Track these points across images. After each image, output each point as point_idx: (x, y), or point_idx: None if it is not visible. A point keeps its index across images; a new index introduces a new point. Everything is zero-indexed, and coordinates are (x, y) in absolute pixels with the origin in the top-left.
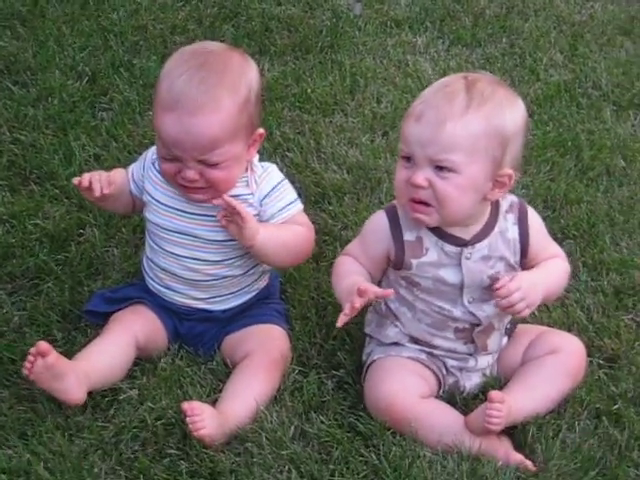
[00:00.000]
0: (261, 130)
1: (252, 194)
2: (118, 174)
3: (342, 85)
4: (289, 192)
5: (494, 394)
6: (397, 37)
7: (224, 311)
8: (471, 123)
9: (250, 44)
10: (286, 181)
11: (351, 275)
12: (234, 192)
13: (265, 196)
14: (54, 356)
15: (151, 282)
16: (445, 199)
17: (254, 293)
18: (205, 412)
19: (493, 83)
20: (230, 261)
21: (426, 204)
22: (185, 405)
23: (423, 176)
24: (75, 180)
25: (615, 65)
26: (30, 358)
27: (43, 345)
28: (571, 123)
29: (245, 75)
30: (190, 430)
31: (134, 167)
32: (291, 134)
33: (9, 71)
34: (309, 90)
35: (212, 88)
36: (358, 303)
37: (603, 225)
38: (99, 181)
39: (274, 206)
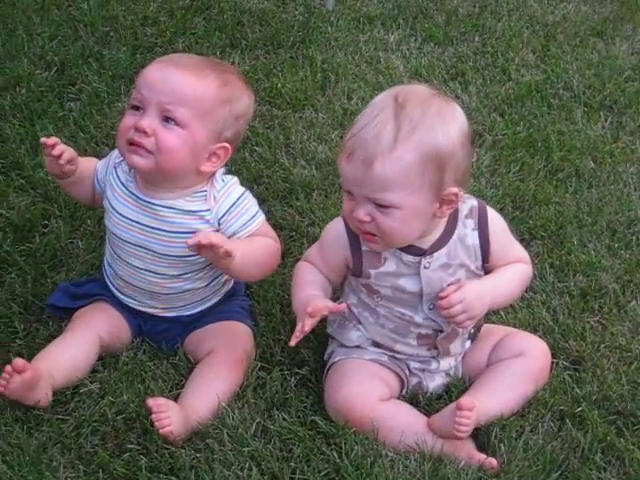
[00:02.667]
0: (227, 145)
1: (209, 210)
2: (86, 161)
3: (313, 80)
4: (250, 205)
5: (464, 401)
6: (369, 33)
7: (189, 316)
8: (400, 158)
9: (221, 37)
10: (247, 193)
11: (309, 286)
12: (190, 207)
13: (225, 213)
14: (30, 371)
15: (112, 287)
16: (389, 233)
17: (218, 298)
18: (171, 409)
19: (424, 100)
20: (189, 274)
21: (373, 234)
22: (150, 401)
23: (364, 212)
24: (43, 138)
25: (587, 66)
26: (5, 375)
27: (20, 362)
28: (542, 124)
29: (239, 90)
30: (156, 427)
31: (100, 164)
32: (260, 128)
33: None
34: (279, 85)
35: (205, 66)
36: (308, 326)
37: (571, 227)
38: (65, 150)
39: (236, 222)
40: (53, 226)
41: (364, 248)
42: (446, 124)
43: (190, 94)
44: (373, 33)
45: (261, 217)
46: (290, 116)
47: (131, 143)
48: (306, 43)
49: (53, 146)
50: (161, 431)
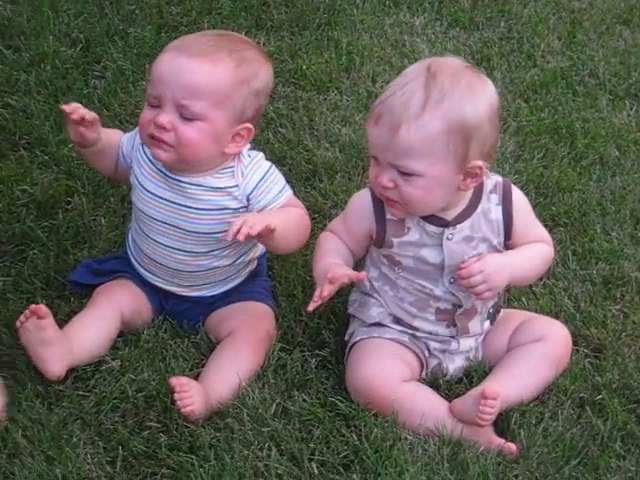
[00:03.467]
0: (249, 125)
1: (237, 186)
2: (111, 132)
3: (338, 63)
4: (278, 180)
5: (489, 390)
6: (395, 17)
7: (211, 296)
8: (426, 125)
9: (247, 18)
10: (274, 168)
11: (330, 255)
12: (217, 184)
13: (254, 188)
14: (48, 321)
15: (134, 263)
16: (411, 200)
17: (241, 279)
18: (193, 388)
19: (456, 73)
20: (216, 252)
21: (395, 200)
22: (173, 380)
23: (387, 177)
24: (63, 105)
25: (613, 54)
26: (27, 313)
27: (43, 309)
28: (566, 110)
29: (256, 65)
30: (177, 406)
31: (126, 137)
32: (285, 110)
33: (2, 35)
34: (304, 66)
35: (218, 48)
36: (326, 291)
37: (594, 214)
38: (86, 114)
39: (266, 197)
40: (76, 203)
41: (388, 217)
42: (475, 97)
43: (205, 84)
44: (399, 16)
45: (289, 190)
46: (314, 98)
47: (152, 137)
48: (331, 25)
49: (73, 112)
50: (183, 410)
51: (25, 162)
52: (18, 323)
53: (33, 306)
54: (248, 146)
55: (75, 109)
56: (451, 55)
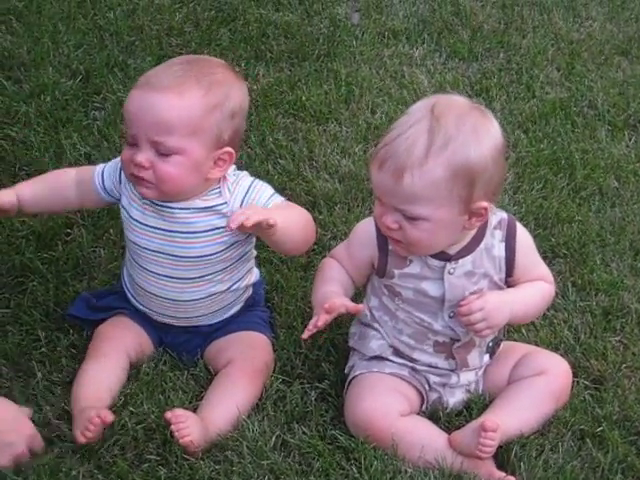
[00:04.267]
0: (230, 149)
1: (226, 203)
2: (47, 182)
3: (337, 94)
4: (266, 188)
5: (489, 422)
6: (394, 48)
7: (209, 326)
8: (430, 172)
9: (246, 49)
10: (258, 180)
11: (330, 282)
12: (206, 204)
13: (242, 200)
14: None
15: (132, 299)
16: (415, 243)
17: (238, 307)
18: (189, 419)
19: (461, 115)
20: (210, 276)
21: (399, 240)
22: (168, 414)
23: (392, 219)
24: None
25: (611, 85)
26: (91, 427)
27: (109, 416)
28: (565, 141)
29: (227, 86)
30: (175, 437)
31: (106, 172)
32: (284, 141)
33: (2, 66)
34: (304, 98)
35: (187, 79)
36: (322, 321)
37: (594, 245)
38: None
39: (258, 202)
40: (76, 234)
41: (391, 248)
42: (480, 140)
43: (175, 118)
44: (398, 48)
45: (279, 196)
46: (314, 129)
47: (134, 175)
48: (331, 56)
49: None
50: (181, 441)
51: None
52: (82, 438)
53: (97, 418)
54: (233, 167)
55: None
56: (455, 93)
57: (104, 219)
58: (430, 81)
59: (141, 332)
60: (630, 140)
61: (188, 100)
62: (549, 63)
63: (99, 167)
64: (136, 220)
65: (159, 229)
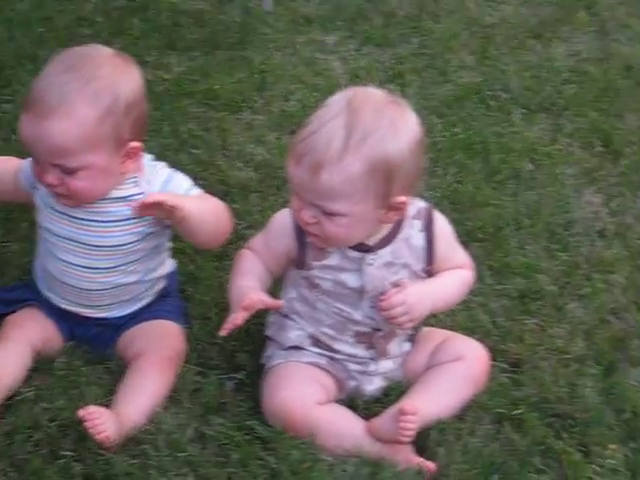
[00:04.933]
0: (135, 144)
1: (143, 193)
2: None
3: (250, 82)
4: (184, 179)
5: (407, 406)
6: (307, 35)
7: (119, 317)
8: (348, 167)
9: (158, 38)
10: (176, 171)
11: (247, 275)
12: (122, 194)
13: (160, 191)
14: None
15: (42, 287)
16: (333, 237)
17: (150, 298)
18: (103, 415)
19: (379, 108)
20: (122, 267)
21: (316, 234)
22: (81, 412)
23: (309, 214)
24: None
25: (525, 68)
26: None
27: None
28: (480, 126)
29: (115, 85)
30: (91, 434)
31: (28, 163)
32: (197, 131)
33: None
34: (217, 86)
35: (69, 94)
36: (240, 319)
37: (509, 229)
38: None
39: (176, 193)
40: None
41: (309, 240)
42: (398, 134)
43: (68, 142)
44: (311, 35)
45: (197, 189)
46: (227, 118)
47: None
48: (244, 44)
49: None
50: (97, 437)
51: None
52: None
53: None
54: (150, 156)
55: None
56: (370, 82)
57: (15, 212)
58: (344, 67)
59: (50, 324)
60: (544, 123)
61: (77, 119)
62: (463, 47)
63: (24, 162)
64: (50, 207)
65: (74, 217)
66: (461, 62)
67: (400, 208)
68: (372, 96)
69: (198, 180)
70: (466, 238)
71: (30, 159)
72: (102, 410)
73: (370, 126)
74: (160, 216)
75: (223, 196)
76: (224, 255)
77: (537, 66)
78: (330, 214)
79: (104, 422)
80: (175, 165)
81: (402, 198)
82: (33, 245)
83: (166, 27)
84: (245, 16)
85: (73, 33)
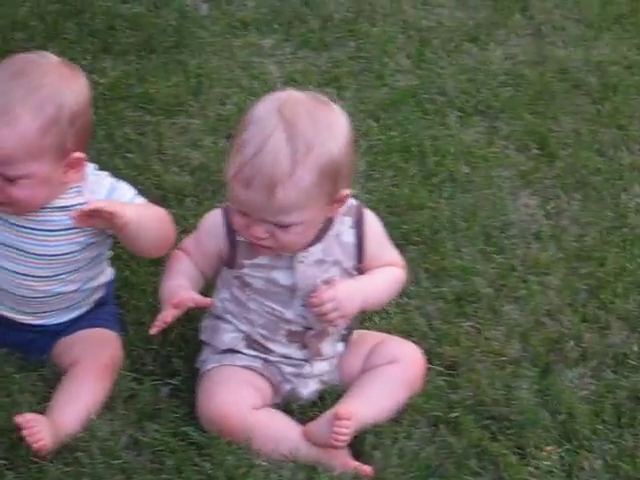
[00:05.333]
0: (78, 154)
1: (87, 203)
2: None
3: (186, 86)
4: (128, 188)
5: (342, 410)
6: (244, 38)
7: (57, 325)
8: (301, 180)
9: (93, 42)
10: (119, 180)
11: (178, 276)
12: (65, 203)
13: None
14: None
15: None
16: (289, 246)
17: (88, 307)
18: (40, 423)
19: (311, 112)
20: (62, 276)
21: (269, 247)
22: (19, 418)
23: (263, 230)
24: None
25: (461, 71)
26: None
27: None
28: (416, 129)
29: (60, 94)
30: (28, 442)
31: None
32: (132, 135)
33: None
34: (152, 90)
35: (13, 102)
36: (170, 317)
37: (445, 231)
38: None
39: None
40: None
41: (239, 238)
42: (336, 135)
43: (9, 150)
44: (247, 38)
45: (141, 198)
46: (163, 122)
47: None
48: (179, 48)
49: None
50: (35, 446)
51: None
52: None
53: None
54: (93, 166)
55: None
56: (291, 87)
57: None
58: (280, 71)
59: None
60: (480, 126)
61: (19, 128)
62: (399, 51)
63: None
64: None
65: (14, 224)
66: (397, 65)
67: (344, 200)
68: (300, 102)
69: (134, 185)
70: (402, 241)
71: None
72: (39, 418)
73: (310, 134)
74: (100, 226)
75: (159, 201)
76: (159, 261)
77: (473, 69)
78: (285, 226)
79: (41, 430)
80: (110, 170)
81: (346, 191)
82: None
83: (101, 31)
84: (181, 20)
85: (7, 37)
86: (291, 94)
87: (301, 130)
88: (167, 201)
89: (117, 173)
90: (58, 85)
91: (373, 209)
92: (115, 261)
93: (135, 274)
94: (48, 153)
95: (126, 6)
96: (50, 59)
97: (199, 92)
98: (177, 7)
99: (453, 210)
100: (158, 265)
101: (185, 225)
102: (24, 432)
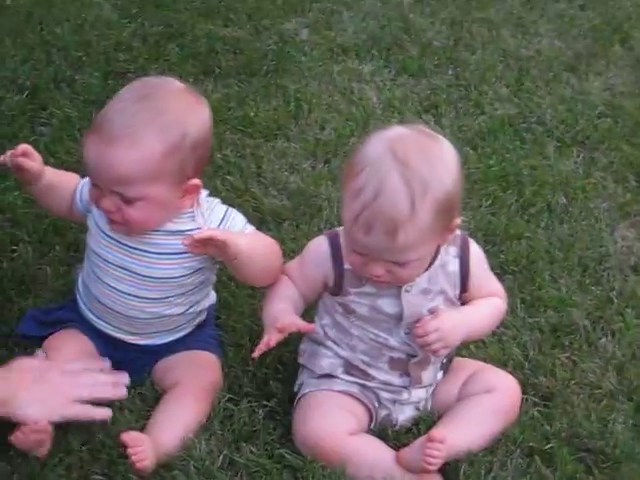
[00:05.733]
0: (196, 181)
1: (199, 229)
2: (65, 173)
3: (286, 110)
4: (240, 217)
5: (435, 433)
6: (343, 64)
7: (159, 345)
8: (421, 221)
9: (195, 65)
10: (231, 208)
11: (281, 300)
12: (178, 227)
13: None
14: (48, 433)
15: (84, 309)
16: (406, 280)
17: (191, 329)
18: (145, 442)
19: (422, 148)
20: (170, 299)
21: (387, 281)
22: (125, 436)
23: (381, 268)
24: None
25: (560, 101)
26: (25, 430)
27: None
28: (514, 158)
29: (185, 121)
30: (132, 461)
31: (86, 182)
32: (232, 157)
33: None
34: (252, 114)
35: (139, 124)
36: (273, 341)
37: (542, 262)
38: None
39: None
40: (21, 251)
41: (346, 267)
42: (449, 169)
43: (131, 172)
44: (347, 63)
45: (251, 226)
46: (262, 145)
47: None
48: (279, 72)
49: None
50: (138, 465)
51: None
52: (14, 439)
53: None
54: (205, 192)
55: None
56: (396, 123)
57: (49, 235)
58: (379, 97)
59: (89, 345)
60: (578, 157)
61: (143, 150)
62: (498, 79)
63: (82, 181)
64: (103, 231)
65: (126, 245)
66: (496, 94)
67: (456, 229)
68: (410, 139)
69: (233, 207)
70: (499, 270)
71: (87, 180)
72: (144, 437)
73: (425, 172)
74: (211, 253)
75: (257, 224)
76: None
77: (572, 99)
78: (403, 263)
79: (145, 450)
80: (210, 191)
81: (458, 221)
82: (68, 269)
83: (202, 54)
84: (281, 44)
85: (110, 58)
86: (399, 131)
87: (416, 169)
88: (265, 224)
89: (216, 195)
90: (183, 111)
91: (470, 238)
92: (215, 283)
93: (234, 296)
94: (168, 177)
95: (227, 30)
96: (176, 85)
97: (298, 116)
98: (278, 31)
99: (550, 240)
100: (256, 288)
101: (283, 249)
102: (129, 450)
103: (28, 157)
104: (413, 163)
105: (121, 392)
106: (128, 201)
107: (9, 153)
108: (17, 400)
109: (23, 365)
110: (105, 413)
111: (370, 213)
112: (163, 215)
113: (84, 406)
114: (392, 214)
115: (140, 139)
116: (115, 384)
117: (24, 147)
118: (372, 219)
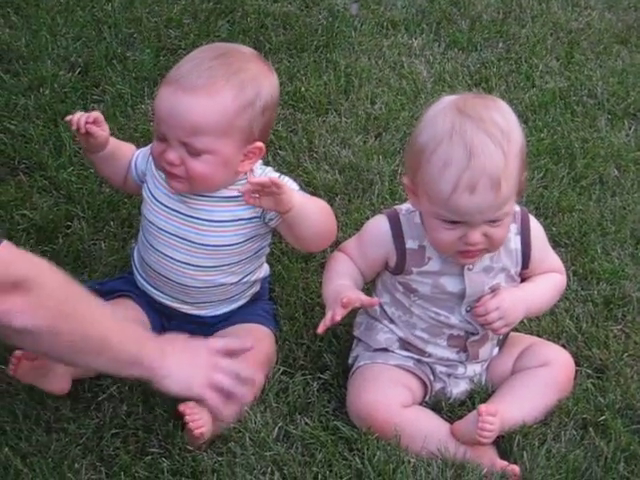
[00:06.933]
0: (260, 144)
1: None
2: (123, 144)
3: (336, 85)
4: (292, 183)
5: (488, 407)
6: (393, 38)
7: (213, 317)
8: (513, 171)
9: (245, 40)
10: (284, 176)
11: (342, 277)
12: (232, 194)
13: None
14: (39, 361)
15: (140, 279)
16: (500, 242)
17: (245, 300)
18: (202, 411)
19: (485, 102)
20: (224, 267)
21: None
22: (182, 406)
23: (480, 233)
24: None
25: (611, 74)
26: (14, 360)
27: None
28: (565, 131)
29: (258, 81)
30: (190, 427)
31: (141, 153)
32: (284, 132)
33: (1, 59)
34: (303, 89)
35: (218, 77)
36: (339, 315)
37: (595, 234)
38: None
39: None
40: (76, 227)
41: (408, 246)
42: (514, 117)
43: (204, 121)
44: (397, 38)
45: (304, 193)
46: (313, 120)
47: (165, 170)
48: (329, 47)
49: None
50: (195, 432)
51: (24, 187)
52: (10, 371)
53: (18, 352)
54: (260, 162)
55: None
56: (440, 88)
57: (104, 211)
58: (429, 71)
59: (142, 315)
60: (630, 129)
61: (219, 102)
62: (548, 52)
63: (137, 151)
64: (158, 200)
65: (180, 213)
66: (546, 67)
67: (525, 183)
68: (470, 98)
69: None
70: (552, 243)
71: (143, 150)
72: (200, 407)
73: (502, 123)
74: (267, 206)
75: None
76: (310, 256)
77: (623, 72)
78: (499, 221)
79: (202, 418)
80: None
81: (525, 173)
82: (122, 244)
83: (253, 29)
84: (331, 19)
85: (161, 34)
86: (453, 97)
87: (492, 121)
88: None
89: None
90: (257, 74)
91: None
92: (268, 257)
93: (287, 270)
94: (236, 134)
95: (277, 5)
96: (249, 49)
97: (349, 91)
98: (327, 6)
99: (602, 213)
100: (309, 261)
101: (336, 222)
102: (186, 417)
103: (99, 125)
104: (486, 116)
105: (250, 397)
106: (195, 153)
107: (81, 117)
108: (163, 369)
109: (175, 336)
110: (229, 415)
111: (470, 174)
112: (224, 174)
113: (218, 398)
114: (491, 167)
115: (218, 91)
116: (252, 383)
117: (96, 114)
118: (474, 179)
